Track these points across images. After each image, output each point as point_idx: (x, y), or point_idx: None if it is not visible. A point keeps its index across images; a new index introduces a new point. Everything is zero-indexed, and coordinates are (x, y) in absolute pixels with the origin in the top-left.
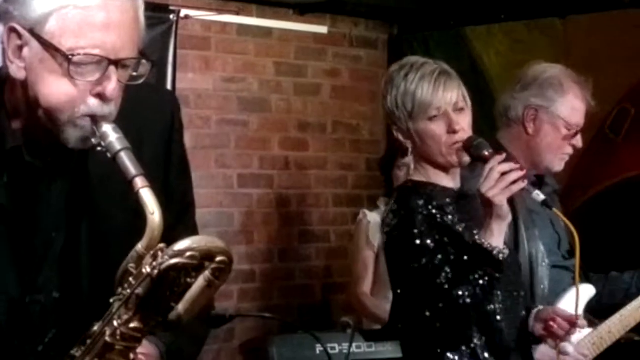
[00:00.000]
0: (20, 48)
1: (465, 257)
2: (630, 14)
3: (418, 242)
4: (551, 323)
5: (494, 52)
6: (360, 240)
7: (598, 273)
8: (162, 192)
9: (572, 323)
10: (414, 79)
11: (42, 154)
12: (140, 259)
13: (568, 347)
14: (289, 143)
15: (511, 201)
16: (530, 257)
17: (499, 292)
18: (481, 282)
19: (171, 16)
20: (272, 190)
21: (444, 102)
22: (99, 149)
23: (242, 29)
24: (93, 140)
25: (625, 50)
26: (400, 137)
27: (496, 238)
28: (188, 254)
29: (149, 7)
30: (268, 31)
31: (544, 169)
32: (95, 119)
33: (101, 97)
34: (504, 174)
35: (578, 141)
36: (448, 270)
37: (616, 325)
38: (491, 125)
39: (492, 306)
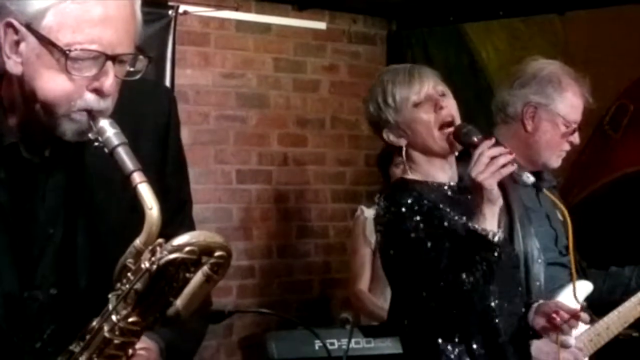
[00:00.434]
0: (17, 43)
1: (462, 246)
2: (629, 10)
3: (413, 235)
4: (554, 315)
5: (493, 48)
6: (357, 237)
7: (597, 268)
8: (158, 188)
9: (575, 316)
10: (388, 79)
11: (39, 150)
12: (138, 254)
13: (570, 340)
14: (288, 139)
15: (506, 198)
16: (525, 254)
17: (496, 289)
18: (480, 267)
19: (170, 12)
20: (271, 186)
21: (422, 88)
22: (96, 144)
23: (241, 24)
24: (90, 135)
25: (623, 47)
26: (392, 138)
27: (489, 222)
28: (187, 249)
29: (148, 3)
30: (267, 27)
31: (541, 166)
32: (92, 114)
33: (98, 92)
34: (493, 158)
35: (575, 138)
36: (445, 261)
37: (614, 321)
38: (489, 120)
39: (488, 302)
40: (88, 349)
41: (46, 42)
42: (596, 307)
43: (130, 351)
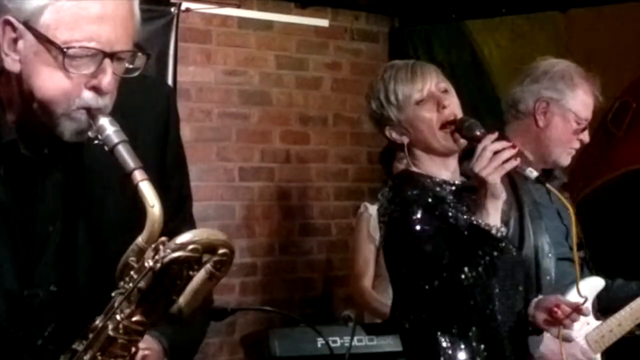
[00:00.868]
0: (15, 41)
1: (465, 241)
2: (632, 7)
3: (417, 228)
4: (555, 309)
5: (495, 46)
6: (361, 234)
7: (598, 265)
8: (158, 185)
9: (577, 309)
10: (390, 75)
11: (38, 148)
12: (141, 253)
13: (571, 334)
14: (290, 136)
15: (516, 192)
16: (536, 248)
17: (496, 286)
18: (482, 262)
19: (172, 9)
20: (273, 184)
21: (425, 85)
22: (95, 142)
23: (243, 22)
24: (90, 133)
25: (626, 44)
26: (394, 135)
27: (492, 217)
28: (190, 247)
29: (150, 0)
30: (269, 24)
31: (552, 163)
32: (91, 112)
33: (96, 90)
34: (496, 152)
35: (585, 136)
36: (448, 254)
37: (626, 318)
38: (492, 117)
39: (490, 297)
40: (92, 347)
41: (44, 40)
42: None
43: (134, 349)
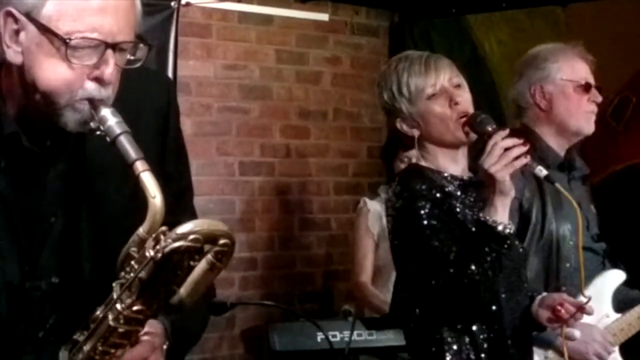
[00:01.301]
0: (17, 32)
1: (472, 237)
2: (631, 1)
3: (425, 222)
4: (559, 307)
5: (496, 40)
6: (360, 228)
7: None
8: (159, 176)
9: (581, 308)
10: (404, 67)
11: (40, 139)
12: (142, 243)
13: (575, 332)
14: (290, 131)
15: (538, 181)
16: (557, 235)
17: (502, 282)
18: (489, 259)
19: (172, 3)
20: (273, 178)
21: (438, 80)
22: (97, 133)
23: (243, 16)
24: (92, 124)
25: (626, 39)
26: (405, 128)
27: (500, 214)
28: (191, 237)
29: None
30: (269, 18)
31: (575, 135)
32: (94, 103)
33: (99, 80)
34: (507, 149)
35: (596, 96)
36: (455, 249)
37: None
38: (493, 112)
39: (495, 294)
40: (92, 337)
41: (46, 31)
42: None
43: (134, 339)
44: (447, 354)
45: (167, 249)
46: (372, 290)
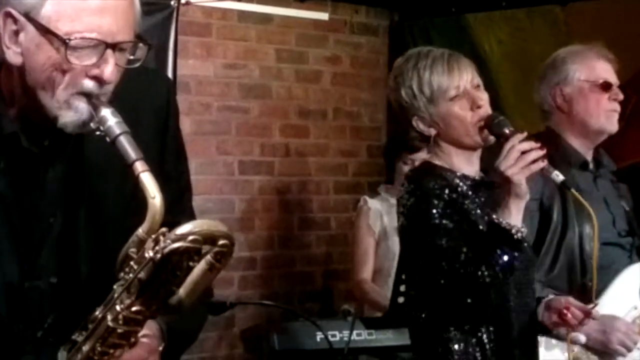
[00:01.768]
0: (16, 33)
1: (483, 239)
2: (632, 1)
3: (437, 221)
4: (565, 311)
5: (495, 39)
6: (360, 227)
7: None
8: (158, 177)
9: (587, 314)
10: (426, 65)
11: (39, 140)
12: (141, 243)
13: (580, 337)
14: (290, 130)
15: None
16: (580, 233)
17: (512, 285)
18: (500, 261)
19: (172, 2)
20: (273, 177)
21: (461, 81)
22: (97, 133)
23: (243, 15)
24: (92, 124)
25: (626, 37)
26: (421, 126)
27: (514, 217)
28: (190, 237)
29: None
30: (269, 18)
31: (597, 134)
32: (92, 101)
33: (98, 79)
34: (524, 152)
35: (617, 94)
36: (466, 250)
37: None
38: (493, 111)
39: (505, 297)
40: (91, 338)
41: (45, 32)
42: None
43: (133, 339)
44: (454, 354)
45: (166, 250)
46: (372, 286)
